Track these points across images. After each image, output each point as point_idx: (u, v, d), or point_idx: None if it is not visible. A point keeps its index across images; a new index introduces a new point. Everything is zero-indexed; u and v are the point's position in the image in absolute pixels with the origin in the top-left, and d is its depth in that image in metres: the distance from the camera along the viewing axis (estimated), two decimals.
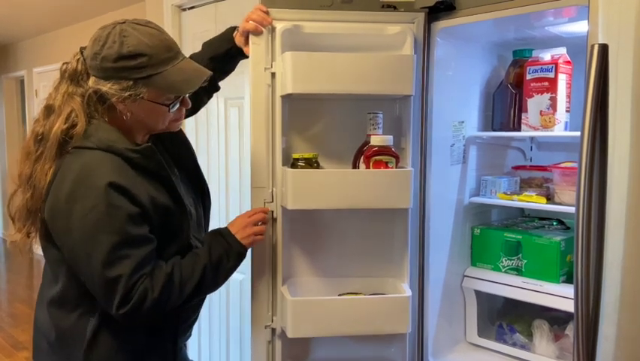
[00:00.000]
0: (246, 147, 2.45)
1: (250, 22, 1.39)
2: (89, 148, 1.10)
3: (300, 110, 1.53)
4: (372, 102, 1.50)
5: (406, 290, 1.48)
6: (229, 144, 2.60)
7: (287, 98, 1.45)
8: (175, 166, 1.31)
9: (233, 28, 1.46)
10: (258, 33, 1.40)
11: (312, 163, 1.47)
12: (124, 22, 1.13)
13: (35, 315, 1.26)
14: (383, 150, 1.40)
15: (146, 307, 1.10)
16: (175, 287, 1.15)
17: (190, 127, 2.68)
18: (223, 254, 1.23)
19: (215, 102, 2.58)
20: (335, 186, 1.39)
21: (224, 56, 1.45)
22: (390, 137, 1.41)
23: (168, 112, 1.19)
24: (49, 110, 1.15)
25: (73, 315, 1.16)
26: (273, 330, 1.49)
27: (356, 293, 1.54)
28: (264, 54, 1.42)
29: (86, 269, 1.10)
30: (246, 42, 1.42)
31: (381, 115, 1.45)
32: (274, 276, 1.48)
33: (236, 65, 1.52)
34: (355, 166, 1.48)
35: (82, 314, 1.15)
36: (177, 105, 1.20)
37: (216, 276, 1.23)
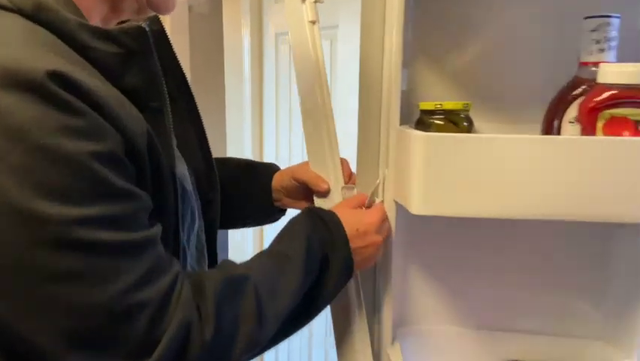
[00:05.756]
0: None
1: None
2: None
3: (437, 17, 0.81)
4: None
5: None
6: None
7: None
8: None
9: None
10: None
11: (458, 122, 0.76)
12: None
13: None
14: (629, 94, 0.64)
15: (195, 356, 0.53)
16: (253, 310, 0.59)
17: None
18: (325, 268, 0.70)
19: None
20: (517, 169, 0.65)
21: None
22: None
23: None
24: None
25: None
26: None
27: None
28: None
29: (31, 294, 0.46)
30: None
31: (616, 21, 0.69)
32: (377, 324, 0.85)
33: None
34: (550, 129, 0.74)
35: None
36: None
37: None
